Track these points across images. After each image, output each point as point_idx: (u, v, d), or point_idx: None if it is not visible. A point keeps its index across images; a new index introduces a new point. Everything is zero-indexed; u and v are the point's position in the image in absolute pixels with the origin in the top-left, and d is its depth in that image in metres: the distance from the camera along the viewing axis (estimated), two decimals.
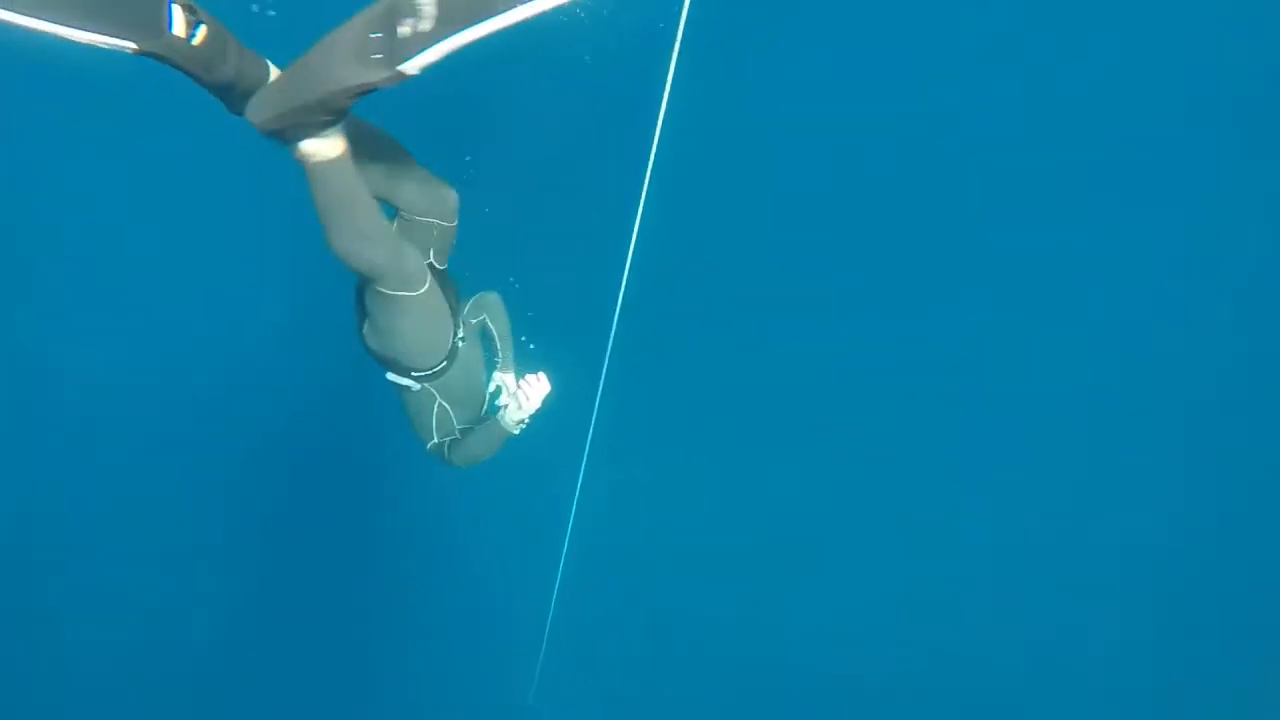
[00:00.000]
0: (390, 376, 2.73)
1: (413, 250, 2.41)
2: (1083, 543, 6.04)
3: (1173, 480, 5.86)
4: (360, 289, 2.45)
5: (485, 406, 3.05)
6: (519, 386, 2.71)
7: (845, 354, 5.74)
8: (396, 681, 6.28)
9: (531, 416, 2.74)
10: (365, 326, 2.55)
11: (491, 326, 3.09)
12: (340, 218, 2.01)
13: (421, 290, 2.40)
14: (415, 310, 2.44)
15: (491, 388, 3.10)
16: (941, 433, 5.93)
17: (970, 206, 5.48)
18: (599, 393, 3.53)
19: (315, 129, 1.80)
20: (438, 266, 2.63)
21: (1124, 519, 5.92)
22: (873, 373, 5.83)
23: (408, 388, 2.75)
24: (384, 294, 2.32)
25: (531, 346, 3.75)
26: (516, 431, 2.76)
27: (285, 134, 1.77)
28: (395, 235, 2.27)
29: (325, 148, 1.84)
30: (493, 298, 3.17)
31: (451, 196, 2.60)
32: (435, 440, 2.85)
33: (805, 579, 6.10)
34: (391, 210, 2.58)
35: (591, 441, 3.73)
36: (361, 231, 2.07)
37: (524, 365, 3.07)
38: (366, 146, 2.28)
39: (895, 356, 5.82)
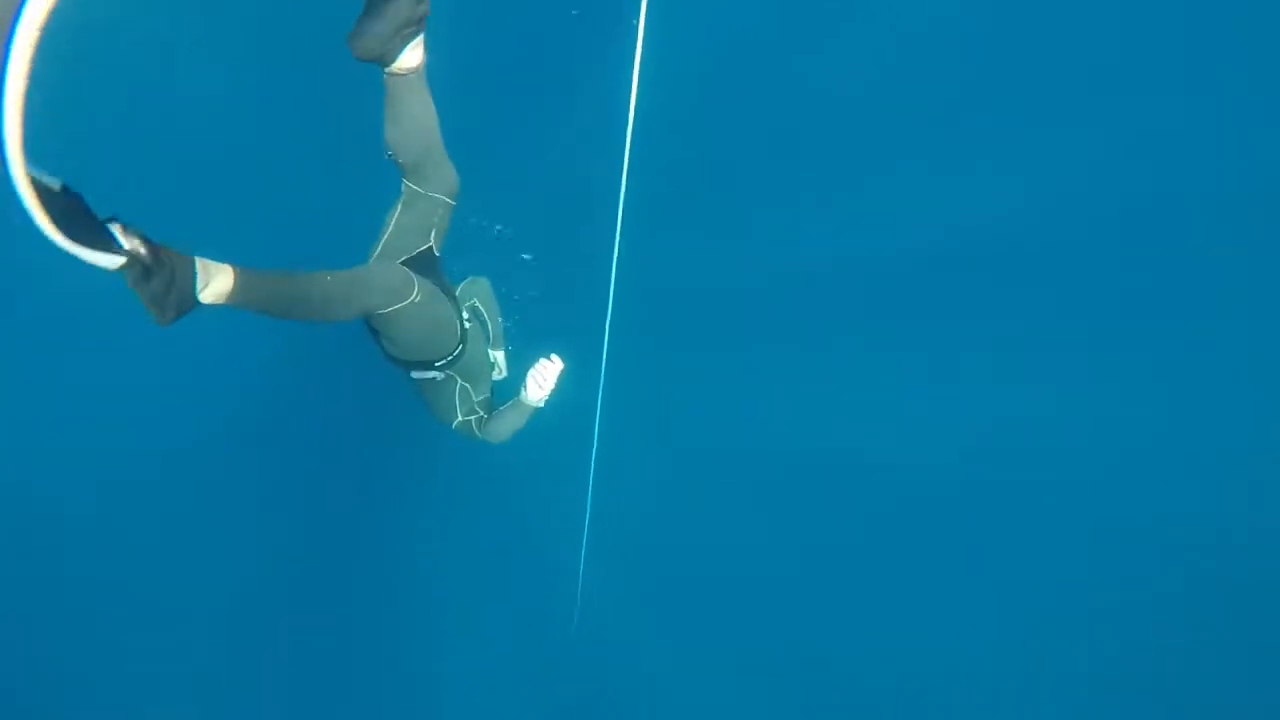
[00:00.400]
0: (415, 374, 2.84)
1: (376, 270, 2.43)
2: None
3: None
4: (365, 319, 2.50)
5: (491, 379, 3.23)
6: (536, 368, 2.85)
7: (844, 275, 5.71)
8: (441, 634, 6.44)
9: (552, 391, 2.91)
10: (383, 343, 2.61)
11: (482, 308, 3.25)
12: (294, 310, 2.02)
13: (414, 295, 2.42)
14: (419, 315, 2.49)
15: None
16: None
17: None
18: (607, 324, 3.48)
19: (184, 285, 1.69)
20: (435, 252, 2.69)
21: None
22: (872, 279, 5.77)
23: (433, 379, 2.87)
24: (383, 315, 2.37)
25: (532, 292, 3.82)
26: (541, 405, 2.93)
27: (182, 306, 1.69)
28: (348, 276, 2.25)
29: (213, 290, 1.78)
30: (483, 281, 3.36)
31: (456, 176, 2.67)
32: (460, 418, 3.00)
33: (830, 491, 6.19)
34: (399, 185, 2.60)
35: (605, 374, 3.71)
36: (324, 302, 2.09)
37: (535, 343, 3.17)
38: (415, 111, 2.38)
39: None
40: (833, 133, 5.40)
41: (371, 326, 2.50)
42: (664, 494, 6.12)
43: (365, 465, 6.00)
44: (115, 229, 1.52)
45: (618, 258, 3.15)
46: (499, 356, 3.33)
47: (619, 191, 2.94)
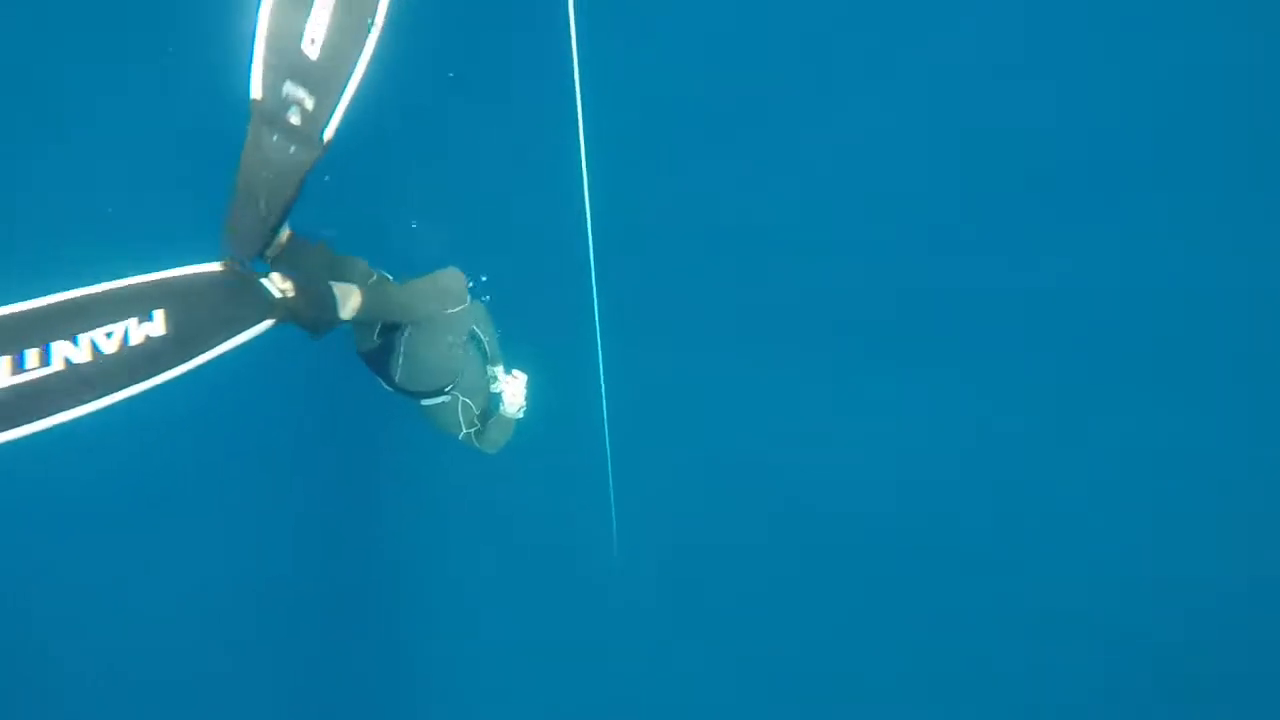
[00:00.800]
0: (426, 403, 3.03)
1: (450, 271, 2.61)
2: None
3: None
4: (384, 352, 2.70)
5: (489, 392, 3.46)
6: (504, 388, 3.19)
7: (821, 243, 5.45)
8: (485, 582, 6.54)
9: (526, 399, 3.25)
10: (404, 379, 2.76)
11: (479, 331, 3.37)
12: (398, 312, 2.35)
13: (469, 301, 2.67)
14: (462, 325, 2.72)
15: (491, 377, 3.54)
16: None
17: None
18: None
19: (329, 309, 1.93)
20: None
21: None
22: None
23: (441, 403, 3.06)
24: (450, 315, 2.62)
25: (487, 291, 3.91)
26: (521, 415, 3.29)
27: (331, 325, 1.96)
28: (430, 279, 2.51)
29: (350, 307, 2.02)
30: (479, 306, 3.45)
31: (359, 260, 2.67)
32: (465, 431, 3.20)
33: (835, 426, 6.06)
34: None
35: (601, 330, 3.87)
36: (416, 301, 2.38)
37: (510, 357, 3.43)
38: (310, 260, 2.37)
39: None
40: (816, 107, 5.18)
41: (402, 358, 2.69)
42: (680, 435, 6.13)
43: (388, 457, 5.96)
44: (272, 283, 1.68)
45: (593, 249, 3.38)
46: (498, 371, 3.54)
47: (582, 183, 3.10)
